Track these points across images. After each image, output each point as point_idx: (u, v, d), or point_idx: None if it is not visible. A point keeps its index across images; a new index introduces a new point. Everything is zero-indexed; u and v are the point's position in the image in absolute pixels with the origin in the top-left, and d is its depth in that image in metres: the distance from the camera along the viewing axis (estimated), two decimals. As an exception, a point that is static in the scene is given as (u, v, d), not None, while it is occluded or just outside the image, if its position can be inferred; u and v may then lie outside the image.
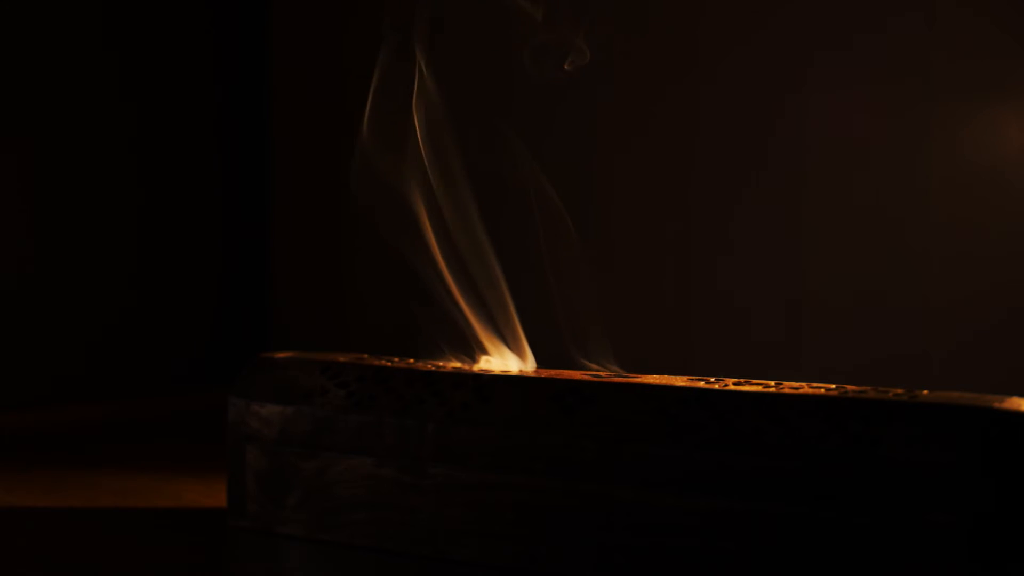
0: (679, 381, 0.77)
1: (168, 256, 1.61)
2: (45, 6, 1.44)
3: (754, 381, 0.77)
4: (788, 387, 0.74)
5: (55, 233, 1.47)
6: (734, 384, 0.76)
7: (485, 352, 0.87)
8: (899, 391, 0.72)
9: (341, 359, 0.89)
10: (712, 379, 0.78)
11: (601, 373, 0.82)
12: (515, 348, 0.86)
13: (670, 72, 1.34)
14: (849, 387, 0.74)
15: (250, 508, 0.88)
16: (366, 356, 0.92)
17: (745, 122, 1.29)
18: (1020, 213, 1.13)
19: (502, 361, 0.87)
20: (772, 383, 0.76)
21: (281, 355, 0.91)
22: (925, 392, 0.72)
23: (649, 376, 0.80)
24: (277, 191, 1.71)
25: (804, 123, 1.25)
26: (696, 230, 1.33)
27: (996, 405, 0.66)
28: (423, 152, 0.87)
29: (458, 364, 0.87)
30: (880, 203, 1.20)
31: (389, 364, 0.87)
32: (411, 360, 0.89)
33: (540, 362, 0.87)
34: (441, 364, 0.87)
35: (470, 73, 1.48)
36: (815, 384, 0.75)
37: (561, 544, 0.75)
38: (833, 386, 0.74)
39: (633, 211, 1.37)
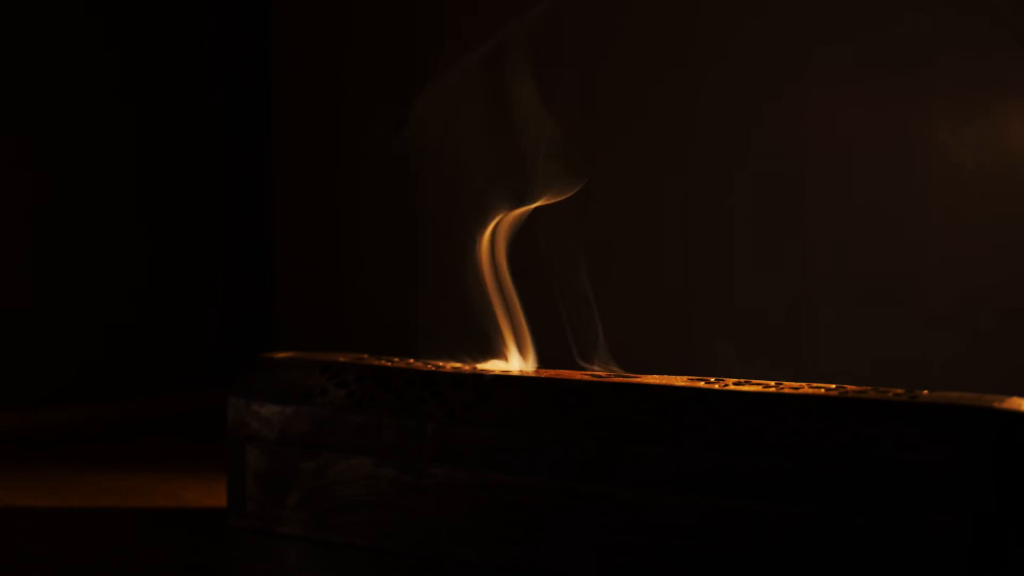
0: (679, 381, 0.77)
1: (168, 256, 1.61)
2: (47, 10, 1.44)
3: (754, 381, 0.77)
4: (788, 387, 0.74)
5: (56, 234, 1.47)
6: (734, 384, 0.76)
7: (495, 353, 0.87)
8: (899, 391, 0.72)
9: (341, 359, 0.89)
10: (712, 379, 0.78)
11: (601, 373, 0.82)
12: (518, 348, 0.87)
13: (669, 73, 1.34)
14: (849, 387, 0.74)
15: (250, 508, 0.88)
16: (366, 356, 0.92)
17: (745, 122, 1.29)
18: (1021, 213, 1.13)
19: (504, 361, 0.87)
20: (772, 383, 0.76)
21: (281, 355, 0.91)
22: (925, 392, 0.72)
23: (649, 376, 0.80)
24: (277, 191, 1.71)
25: (804, 124, 1.25)
26: (696, 230, 1.33)
27: (996, 405, 0.66)
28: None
29: (458, 364, 0.87)
30: (881, 203, 1.20)
31: (389, 364, 0.87)
32: (411, 360, 0.89)
33: (540, 362, 0.87)
34: (441, 364, 0.87)
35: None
36: (815, 384, 0.75)
37: (561, 544, 0.75)
38: (833, 386, 0.74)
39: (633, 211, 1.37)
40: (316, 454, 0.84)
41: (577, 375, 0.81)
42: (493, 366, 0.86)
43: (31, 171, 1.45)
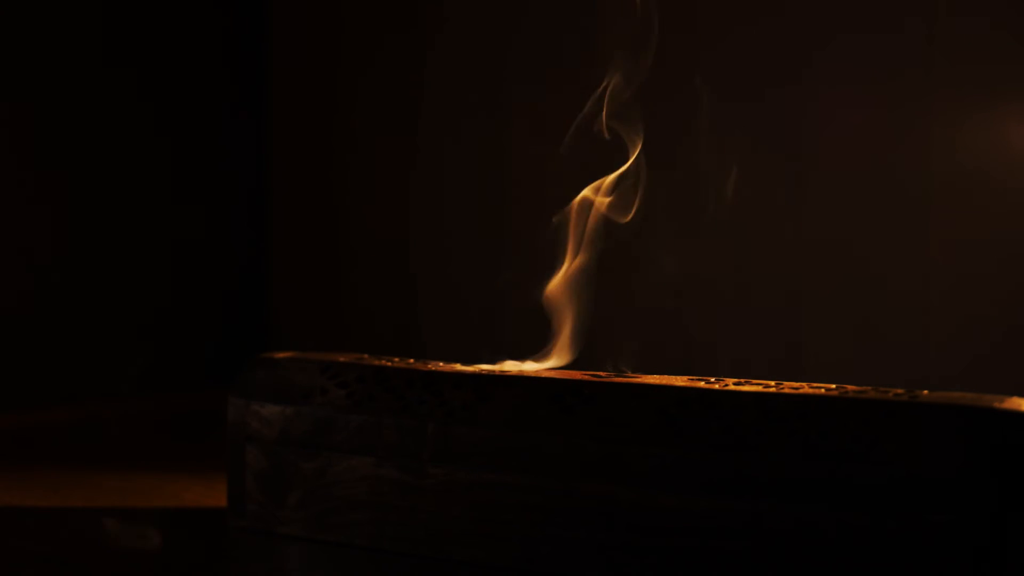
0: (679, 381, 0.77)
1: (168, 257, 1.61)
2: (54, 19, 1.45)
3: (754, 381, 0.77)
4: (788, 387, 0.74)
5: (55, 235, 1.47)
6: (734, 384, 0.76)
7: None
8: (899, 391, 0.72)
9: (341, 359, 0.89)
10: (712, 379, 0.78)
11: (601, 373, 0.82)
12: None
13: (670, 75, 1.34)
14: (849, 387, 0.73)
15: (250, 508, 0.88)
16: (366, 356, 0.92)
17: (745, 123, 1.29)
18: (1020, 214, 1.13)
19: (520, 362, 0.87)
20: (772, 383, 0.76)
21: (281, 355, 0.91)
22: (925, 392, 0.72)
23: (649, 376, 0.80)
24: (277, 191, 1.71)
25: (805, 125, 1.25)
26: (697, 232, 1.33)
27: (997, 405, 0.66)
28: None
29: (458, 364, 0.87)
30: (882, 203, 1.20)
31: (389, 364, 0.87)
32: (411, 360, 0.89)
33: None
34: (441, 364, 0.87)
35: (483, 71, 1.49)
36: (815, 384, 0.75)
37: (561, 544, 0.75)
38: (833, 386, 0.74)
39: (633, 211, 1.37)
40: (316, 454, 0.84)
41: (577, 375, 0.81)
42: (506, 366, 0.86)
43: (31, 171, 1.45)
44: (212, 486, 1.07)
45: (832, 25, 1.22)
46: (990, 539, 0.64)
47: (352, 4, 1.63)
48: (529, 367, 0.86)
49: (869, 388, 0.73)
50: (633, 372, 0.82)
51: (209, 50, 1.65)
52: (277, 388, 0.87)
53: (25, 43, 1.44)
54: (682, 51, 1.33)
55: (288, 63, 1.71)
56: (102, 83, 1.52)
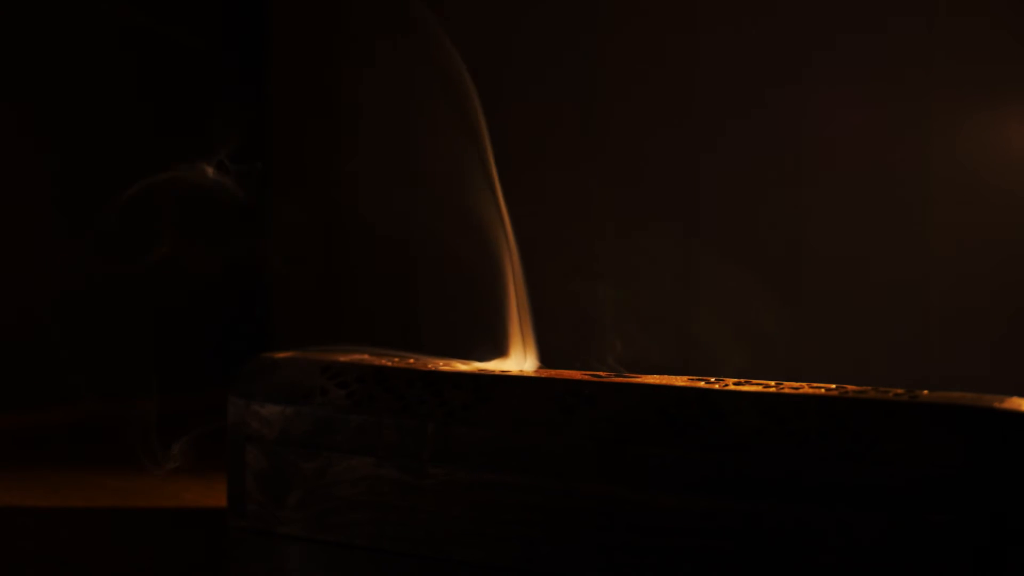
0: (679, 381, 0.77)
1: (168, 257, 1.61)
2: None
3: (754, 381, 0.77)
4: (788, 387, 0.74)
5: (56, 236, 1.47)
6: (734, 384, 0.76)
7: (497, 351, 0.87)
8: (899, 391, 0.72)
9: (341, 359, 0.89)
10: (712, 379, 0.78)
11: (601, 373, 0.82)
12: (523, 346, 0.86)
13: (668, 73, 1.34)
14: (849, 387, 0.74)
15: (250, 508, 0.88)
16: (366, 356, 0.92)
17: (746, 125, 1.29)
18: (1020, 214, 1.13)
19: (506, 360, 0.87)
20: (772, 383, 0.76)
21: (281, 355, 0.91)
22: (925, 392, 0.72)
23: (649, 376, 0.80)
24: (277, 190, 1.71)
25: (805, 125, 1.25)
26: (696, 230, 1.33)
27: (996, 405, 0.66)
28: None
29: (458, 364, 0.87)
30: (882, 203, 1.20)
31: (389, 364, 0.87)
32: (411, 360, 0.89)
33: (541, 362, 0.87)
34: (441, 364, 0.87)
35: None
36: (815, 384, 0.75)
37: (561, 544, 0.75)
38: (833, 386, 0.74)
39: (633, 212, 1.37)
40: (316, 454, 0.84)
41: (577, 375, 0.81)
42: (494, 366, 0.86)
43: (32, 174, 1.46)
44: (212, 486, 1.07)
45: (832, 25, 1.22)
46: (990, 539, 0.64)
47: (352, 1, 1.63)
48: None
49: (869, 388, 0.73)
50: (632, 372, 0.82)
51: (210, 49, 1.66)
52: (277, 388, 0.87)
53: (25, 45, 1.44)
54: (683, 50, 1.33)
55: (288, 61, 1.71)
56: (104, 85, 1.52)
